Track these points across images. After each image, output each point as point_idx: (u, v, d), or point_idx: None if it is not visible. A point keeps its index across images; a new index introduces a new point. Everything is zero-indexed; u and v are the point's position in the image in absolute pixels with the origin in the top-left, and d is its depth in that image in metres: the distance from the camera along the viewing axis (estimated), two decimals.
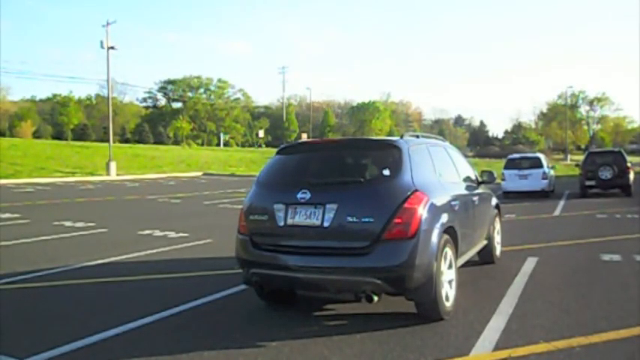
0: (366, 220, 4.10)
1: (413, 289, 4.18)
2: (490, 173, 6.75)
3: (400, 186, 4.26)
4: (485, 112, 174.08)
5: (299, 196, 4.32)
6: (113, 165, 33.22)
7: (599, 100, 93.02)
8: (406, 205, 4.18)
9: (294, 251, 4.36)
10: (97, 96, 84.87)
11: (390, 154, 4.54)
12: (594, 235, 9.16)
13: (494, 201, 7.02)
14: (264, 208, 4.57)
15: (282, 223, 4.39)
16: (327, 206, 4.20)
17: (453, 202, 4.96)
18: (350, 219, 4.13)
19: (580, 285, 5.69)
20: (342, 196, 4.25)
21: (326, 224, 4.18)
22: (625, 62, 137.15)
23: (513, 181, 18.04)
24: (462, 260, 5.23)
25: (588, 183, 17.54)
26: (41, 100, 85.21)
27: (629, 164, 17.63)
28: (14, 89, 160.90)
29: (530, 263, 6.74)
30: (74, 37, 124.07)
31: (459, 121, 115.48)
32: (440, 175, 5.16)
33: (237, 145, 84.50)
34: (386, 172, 4.35)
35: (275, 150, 5.56)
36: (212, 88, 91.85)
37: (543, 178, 17.70)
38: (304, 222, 4.28)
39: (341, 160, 4.78)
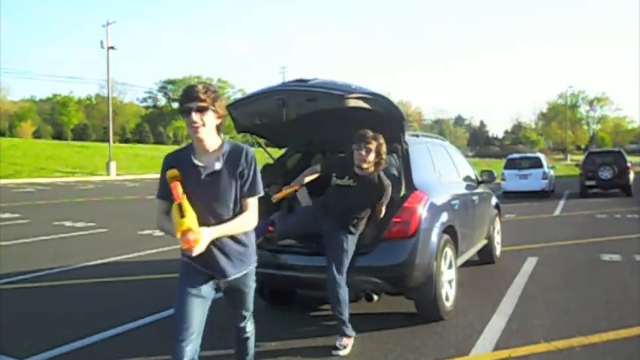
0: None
1: (413, 288, 4.18)
2: (490, 173, 6.76)
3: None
4: (485, 112, 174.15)
5: None
6: (113, 165, 33.22)
7: (599, 100, 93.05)
8: (406, 204, 4.17)
9: (295, 250, 4.36)
10: (97, 96, 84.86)
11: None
12: (594, 235, 9.16)
13: (494, 201, 7.02)
14: None
15: None
16: None
17: (452, 202, 4.96)
18: None
19: (580, 285, 5.69)
20: None
21: None
22: (625, 62, 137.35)
23: (513, 181, 18.03)
24: (461, 260, 5.22)
25: (588, 183, 17.53)
26: (41, 100, 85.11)
27: (629, 164, 17.62)
28: (14, 89, 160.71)
29: (530, 263, 6.74)
30: (74, 37, 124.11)
31: (459, 121, 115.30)
32: (440, 174, 5.16)
33: None
34: None
35: (275, 150, 5.57)
36: None
37: (543, 178, 17.70)
38: None
39: None
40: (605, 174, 17.25)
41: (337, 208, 3.97)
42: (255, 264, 2.80)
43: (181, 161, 2.58)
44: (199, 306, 2.61)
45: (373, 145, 3.86)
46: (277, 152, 5.46)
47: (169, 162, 2.61)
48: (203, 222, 2.48)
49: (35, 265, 6.86)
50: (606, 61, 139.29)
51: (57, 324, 4.57)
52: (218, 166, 2.53)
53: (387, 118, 4.26)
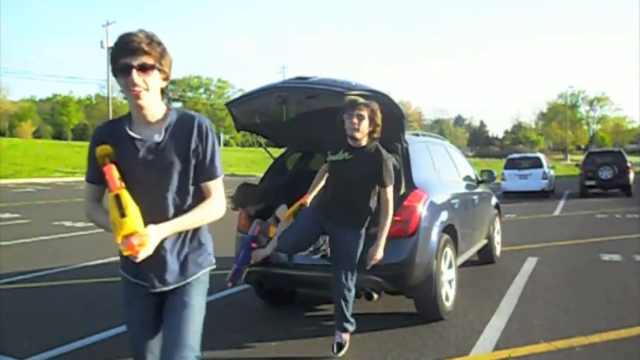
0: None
1: (412, 287, 4.17)
2: (490, 173, 6.76)
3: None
4: (485, 112, 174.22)
5: None
6: None
7: (599, 100, 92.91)
8: (406, 202, 4.17)
9: None
10: (97, 96, 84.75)
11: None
12: (594, 235, 9.16)
13: (494, 200, 7.02)
14: None
15: None
16: None
17: (452, 201, 4.96)
18: None
19: (580, 285, 5.68)
20: None
21: None
22: (625, 62, 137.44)
23: (513, 181, 18.04)
24: (461, 259, 5.22)
25: (588, 183, 17.54)
26: (41, 100, 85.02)
27: (629, 164, 17.63)
28: (14, 89, 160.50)
29: (530, 263, 6.74)
30: (74, 37, 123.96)
31: (459, 121, 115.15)
32: (440, 173, 5.16)
33: (237, 145, 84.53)
34: None
35: (275, 150, 5.56)
36: (212, 88, 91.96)
37: (543, 178, 17.71)
38: None
39: None
40: (605, 174, 17.25)
41: (335, 188, 3.78)
42: (210, 268, 2.20)
43: (115, 134, 1.98)
44: (150, 336, 2.13)
45: (365, 112, 3.59)
46: (277, 152, 5.45)
47: (100, 135, 2.00)
48: (147, 213, 1.89)
49: (35, 265, 6.86)
50: (606, 60, 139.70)
51: (57, 324, 4.56)
52: (158, 138, 1.96)
53: (387, 117, 4.23)
